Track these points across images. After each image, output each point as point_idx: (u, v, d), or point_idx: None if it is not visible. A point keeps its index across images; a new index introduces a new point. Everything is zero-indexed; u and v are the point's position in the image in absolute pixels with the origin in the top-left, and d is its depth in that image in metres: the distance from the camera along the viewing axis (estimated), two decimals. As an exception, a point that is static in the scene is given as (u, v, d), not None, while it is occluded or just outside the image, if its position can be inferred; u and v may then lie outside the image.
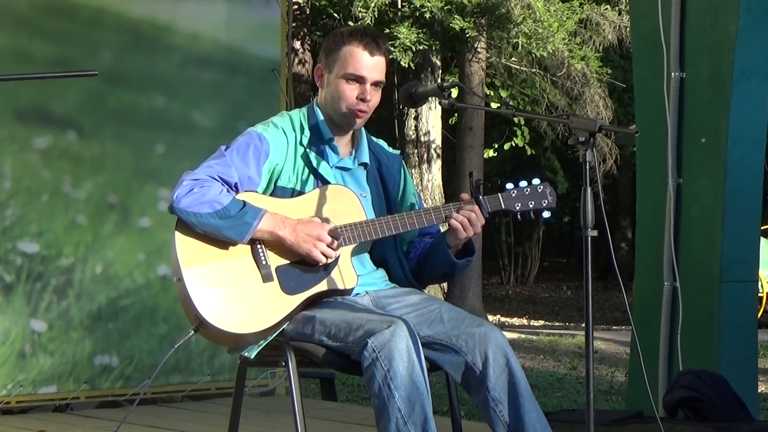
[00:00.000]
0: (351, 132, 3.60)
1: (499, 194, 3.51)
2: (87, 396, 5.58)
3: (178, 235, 3.38)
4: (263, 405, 5.75)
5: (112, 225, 5.61)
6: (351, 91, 3.49)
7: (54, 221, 5.46)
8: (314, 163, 3.51)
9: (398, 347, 3.18)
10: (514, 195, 3.51)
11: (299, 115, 3.58)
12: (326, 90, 3.55)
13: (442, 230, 3.63)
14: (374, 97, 3.53)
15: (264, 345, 3.40)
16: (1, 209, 5.34)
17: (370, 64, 3.50)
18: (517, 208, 3.50)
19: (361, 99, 3.49)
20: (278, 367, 3.55)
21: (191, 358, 5.83)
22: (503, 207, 3.50)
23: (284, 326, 3.41)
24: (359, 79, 3.49)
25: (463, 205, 3.46)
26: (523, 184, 3.52)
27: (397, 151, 3.75)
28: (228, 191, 3.37)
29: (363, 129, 3.64)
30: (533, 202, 3.51)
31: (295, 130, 3.53)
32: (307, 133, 3.53)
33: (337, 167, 3.55)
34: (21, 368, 5.35)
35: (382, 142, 3.72)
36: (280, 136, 3.51)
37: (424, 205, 3.68)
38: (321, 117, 3.55)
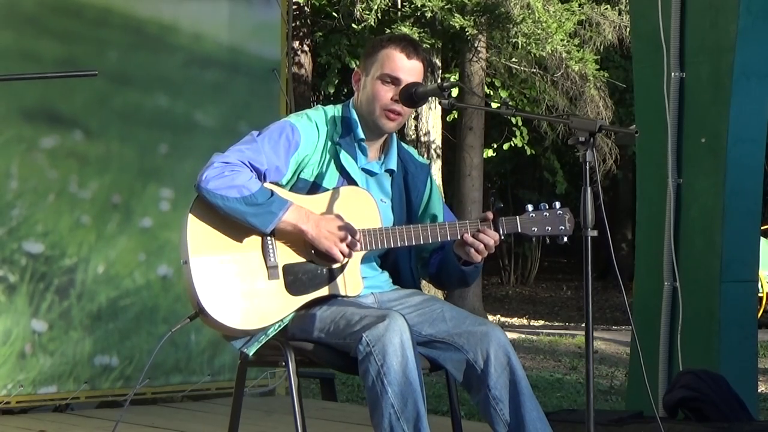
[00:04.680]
0: (383, 139, 3.57)
1: (517, 217, 3.48)
2: (87, 396, 5.57)
3: (191, 218, 3.35)
4: (263, 405, 5.75)
5: (115, 225, 5.60)
6: (386, 92, 3.47)
7: (59, 221, 5.46)
8: (343, 161, 3.49)
9: (392, 342, 3.18)
10: (532, 218, 3.47)
11: (334, 110, 3.56)
12: (362, 92, 3.53)
13: None
14: None
15: (264, 342, 3.40)
16: (8, 209, 5.33)
17: (407, 67, 3.48)
18: (534, 232, 3.48)
19: (396, 100, 3.47)
20: (278, 367, 3.55)
21: (191, 358, 5.83)
22: (519, 230, 3.47)
23: (285, 323, 3.41)
24: (395, 81, 3.47)
25: (483, 228, 3.43)
26: (543, 206, 3.49)
27: (427, 161, 3.74)
28: (257, 179, 3.36)
29: (394, 136, 3.61)
30: (550, 228, 3.48)
31: (327, 125, 3.52)
32: (339, 129, 3.52)
33: (363, 169, 3.54)
34: (21, 368, 5.35)
35: (412, 150, 3.70)
36: (312, 128, 3.49)
37: (452, 216, 3.65)
38: (355, 116, 3.53)
